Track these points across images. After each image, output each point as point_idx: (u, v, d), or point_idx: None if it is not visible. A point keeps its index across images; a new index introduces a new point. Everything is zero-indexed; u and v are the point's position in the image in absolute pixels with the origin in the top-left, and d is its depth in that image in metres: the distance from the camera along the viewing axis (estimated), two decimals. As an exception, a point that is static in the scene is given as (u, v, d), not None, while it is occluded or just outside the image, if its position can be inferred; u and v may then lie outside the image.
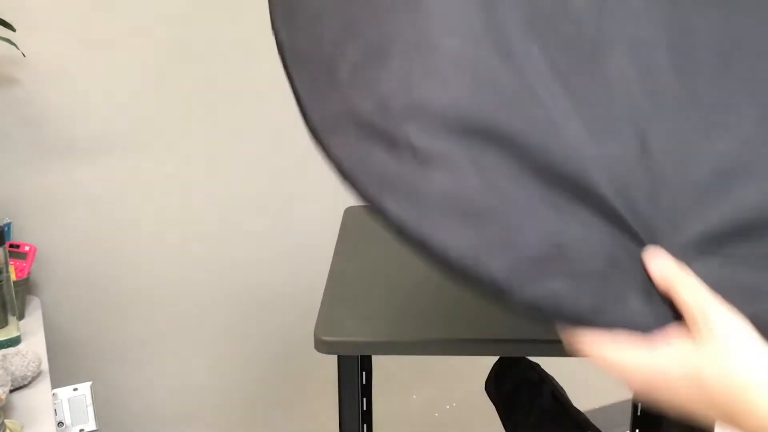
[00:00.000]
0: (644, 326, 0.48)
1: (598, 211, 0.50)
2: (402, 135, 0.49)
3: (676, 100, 0.55)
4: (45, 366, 1.08)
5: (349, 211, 1.27)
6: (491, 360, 1.26)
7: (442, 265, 0.48)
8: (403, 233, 0.48)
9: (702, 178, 0.52)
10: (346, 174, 0.50)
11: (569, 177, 0.50)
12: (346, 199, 1.31)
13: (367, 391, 1.15)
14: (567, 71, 0.53)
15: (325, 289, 0.96)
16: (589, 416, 1.13)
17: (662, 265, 0.49)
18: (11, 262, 1.16)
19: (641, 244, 0.50)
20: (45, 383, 1.06)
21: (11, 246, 1.24)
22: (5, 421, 0.92)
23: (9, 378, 0.97)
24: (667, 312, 0.48)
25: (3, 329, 1.12)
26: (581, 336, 0.49)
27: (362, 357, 0.99)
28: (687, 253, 0.49)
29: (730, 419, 0.45)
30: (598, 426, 1.10)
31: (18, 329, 1.15)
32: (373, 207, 0.49)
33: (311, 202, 1.55)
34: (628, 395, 1.27)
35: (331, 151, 0.51)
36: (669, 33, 0.57)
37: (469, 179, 0.48)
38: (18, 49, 1.19)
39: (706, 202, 0.51)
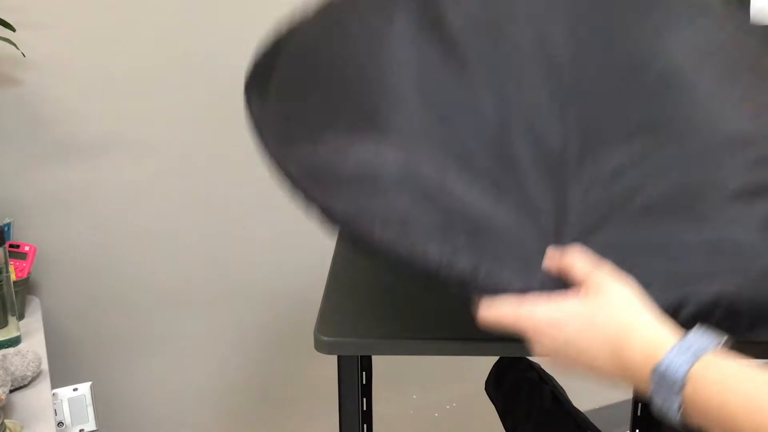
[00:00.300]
0: (545, 291, 0.60)
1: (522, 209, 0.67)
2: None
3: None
4: (45, 366, 1.08)
5: (349, 211, 1.26)
6: (491, 360, 1.26)
7: (380, 253, 0.63)
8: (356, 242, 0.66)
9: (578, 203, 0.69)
10: (305, 196, 0.68)
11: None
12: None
13: (367, 391, 1.15)
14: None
15: (325, 289, 0.96)
16: (589, 416, 1.13)
17: (559, 253, 0.62)
18: (11, 262, 1.16)
19: (545, 240, 0.65)
20: (45, 383, 1.05)
21: (11, 246, 1.24)
22: (5, 421, 0.92)
23: (9, 378, 0.96)
24: (561, 284, 0.61)
25: (3, 329, 1.12)
26: (498, 304, 0.60)
27: (362, 357, 0.99)
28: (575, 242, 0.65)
29: (617, 355, 0.55)
30: (598, 426, 1.10)
31: (18, 329, 1.15)
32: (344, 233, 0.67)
33: (311, 202, 1.55)
34: (628, 395, 1.27)
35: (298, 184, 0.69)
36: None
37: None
38: (18, 49, 1.19)
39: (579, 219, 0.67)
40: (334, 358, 0.88)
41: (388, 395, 1.72)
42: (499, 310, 0.60)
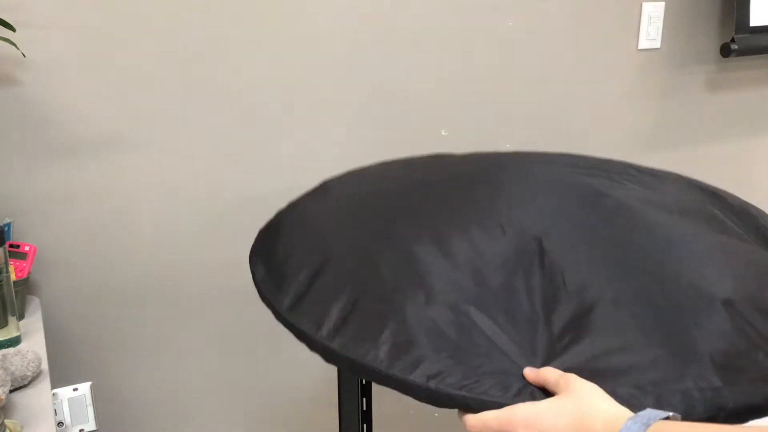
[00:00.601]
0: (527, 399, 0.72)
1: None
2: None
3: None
4: (45, 366, 1.08)
5: (349, 211, 1.26)
6: (491, 360, 1.26)
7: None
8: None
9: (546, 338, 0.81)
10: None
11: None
12: (346, 199, 1.31)
13: (367, 391, 1.15)
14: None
15: (325, 289, 0.96)
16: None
17: (533, 369, 0.74)
18: (11, 262, 1.16)
19: (522, 361, 0.77)
20: (45, 383, 1.05)
21: (11, 246, 1.24)
22: (5, 421, 0.92)
23: (9, 378, 0.97)
24: (539, 392, 0.73)
25: (3, 329, 1.12)
26: (488, 414, 0.71)
27: (362, 357, 0.99)
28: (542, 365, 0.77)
29: None
30: None
31: (18, 329, 1.15)
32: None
33: (311, 202, 1.55)
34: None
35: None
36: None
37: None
38: (18, 49, 1.19)
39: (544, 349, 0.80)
40: (334, 358, 0.88)
41: (388, 395, 1.72)
42: (483, 417, 0.71)
